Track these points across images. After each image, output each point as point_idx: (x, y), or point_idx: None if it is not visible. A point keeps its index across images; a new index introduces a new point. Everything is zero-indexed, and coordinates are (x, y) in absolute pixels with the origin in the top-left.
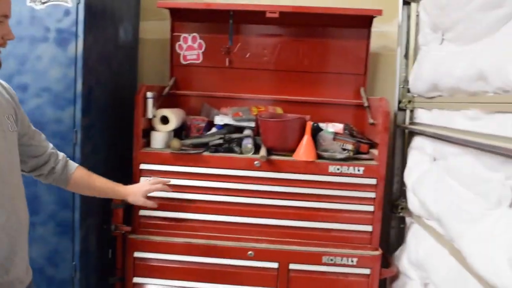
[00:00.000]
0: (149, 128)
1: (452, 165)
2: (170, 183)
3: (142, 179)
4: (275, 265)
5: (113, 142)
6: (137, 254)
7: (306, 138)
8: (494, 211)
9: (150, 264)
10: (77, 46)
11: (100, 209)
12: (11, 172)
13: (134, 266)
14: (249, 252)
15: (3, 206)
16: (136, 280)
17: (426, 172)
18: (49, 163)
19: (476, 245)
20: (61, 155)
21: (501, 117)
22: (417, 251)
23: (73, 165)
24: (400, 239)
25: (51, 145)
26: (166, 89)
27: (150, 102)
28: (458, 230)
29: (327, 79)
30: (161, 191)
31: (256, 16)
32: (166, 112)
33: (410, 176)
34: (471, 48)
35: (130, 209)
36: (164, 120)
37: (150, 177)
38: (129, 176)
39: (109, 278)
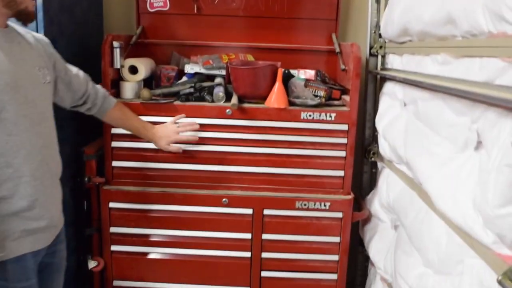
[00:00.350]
0: (118, 79)
1: (422, 109)
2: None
3: (114, 130)
4: (249, 211)
5: None
6: (112, 205)
7: (278, 85)
8: (461, 154)
9: (125, 214)
10: None
11: (73, 161)
12: (42, 122)
13: (110, 216)
14: (224, 200)
15: (34, 155)
16: (113, 230)
17: (396, 117)
18: (86, 104)
19: (443, 187)
20: (101, 92)
21: (469, 62)
22: (388, 195)
23: (111, 102)
24: (372, 183)
25: (90, 86)
26: (134, 38)
27: (117, 52)
28: (426, 173)
29: (299, 25)
30: (188, 143)
31: None
32: (134, 61)
33: (381, 121)
34: None
35: (102, 161)
36: (133, 70)
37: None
38: (99, 126)
39: (86, 229)
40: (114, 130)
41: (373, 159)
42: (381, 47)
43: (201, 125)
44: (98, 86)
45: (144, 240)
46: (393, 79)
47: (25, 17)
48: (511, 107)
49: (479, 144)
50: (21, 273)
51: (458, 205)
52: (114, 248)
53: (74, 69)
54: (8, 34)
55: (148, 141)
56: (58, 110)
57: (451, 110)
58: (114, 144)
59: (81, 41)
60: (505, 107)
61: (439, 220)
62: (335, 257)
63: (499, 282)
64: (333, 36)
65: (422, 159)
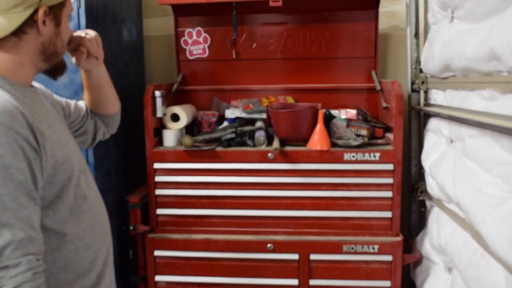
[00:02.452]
0: (161, 127)
1: (469, 147)
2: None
3: (157, 178)
4: (295, 256)
5: (125, 143)
6: (157, 253)
7: (319, 127)
8: None
9: (170, 262)
10: None
11: (118, 211)
12: (92, 184)
13: (155, 264)
14: (269, 245)
15: (102, 225)
16: (158, 278)
17: (443, 155)
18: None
19: (498, 229)
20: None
21: None
22: (439, 235)
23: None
24: (421, 223)
25: (79, 106)
26: (175, 86)
27: (159, 101)
28: (478, 214)
29: (337, 64)
30: None
31: (259, 6)
32: (176, 109)
33: (428, 159)
34: (481, 26)
35: (147, 209)
36: (175, 118)
37: (164, 176)
38: (143, 176)
39: (131, 277)
40: (158, 178)
41: (421, 197)
42: (423, 82)
43: (244, 170)
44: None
45: (189, 287)
46: (437, 115)
47: (60, 70)
48: None
49: None
50: None
51: None
52: None
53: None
54: (36, 94)
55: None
56: (103, 161)
57: (501, 147)
58: (158, 192)
59: (124, 92)
60: None
61: (496, 264)
62: None
63: None
64: (373, 73)
65: (473, 199)
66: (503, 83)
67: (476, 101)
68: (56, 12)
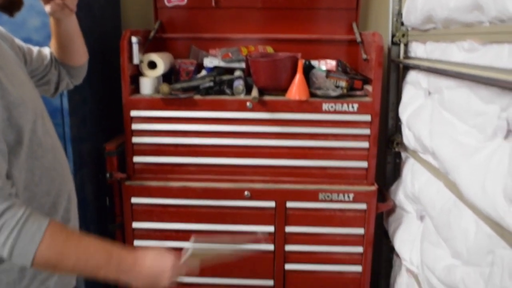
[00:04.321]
0: (137, 74)
1: (447, 98)
2: None
3: (134, 126)
4: (272, 204)
5: (101, 91)
6: (134, 200)
7: (298, 77)
8: (490, 143)
9: (147, 209)
10: None
11: (94, 159)
12: (50, 129)
13: (132, 211)
14: (246, 193)
15: (61, 158)
16: (135, 225)
17: (421, 107)
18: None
19: (472, 177)
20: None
21: (497, 48)
22: (413, 185)
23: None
24: (396, 174)
25: (43, 53)
26: (152, 33)
27: (135, 47)
28: (453, 162)
29: (318, 15)
30: None
31: None
32: (153, 56)
33: (405, 111)
34: None
35: (124, 157)
36: (152, 65)
37: (141, 124)
38: (120, 123)
39: (108, 225)
40: (135, 126)
41: (396, 149)
42: (403, 35)
43: (222, 119)
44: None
45: (166, 234)
46: (417, 67)
47: (15, 5)
48: None
49: (509, 133)
50: None
51: (488, 195)
52: (137, 243)
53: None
54: None
55: None
56: (78, 108)
57: (479, 98)
58: (135, 140)
59: (99, 38)
60: None
61: (467, 210)
62: (360, 249)
63: None
64: (354, 25)
65: (449, 149)
66: (484, 34)
67: (456, 53)
68: None
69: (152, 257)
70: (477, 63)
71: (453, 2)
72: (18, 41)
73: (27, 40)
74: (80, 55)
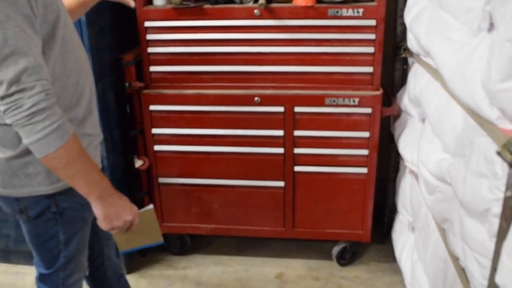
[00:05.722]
0: None
1: None
2: None
3: (148, 36)
4: (281, 109)
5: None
6: (152, 107)
7: None
8: (475, 38)
9: (165, 116)
10: None
11: (113, 69)
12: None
13: (151, 118)
14: (256, 99)
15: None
16: (154, 131)
17: (423, 9)
18: None
19: (456, 70)
20: None
21: None
22: (415, 88)
23: None
24: (404, 80)
25: None
26: None
27: None
28: (442, 57)
29: None
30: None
31: None
32: None
33: (409, 14)
34: None
35: (141, 66)
36: None
37: (155, 34)
38: (135, 34)
39: (129, 131)
40: (149, 37)
41: (403, 55)
42: None
43: (231, 27)
44: None
45: (183, 139)
46: None
47: None
48: None
49: (492, 26)
50: None
51: (468, 85)
52: (157, 147)
53: None
54: None
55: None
56: (95, 20)
57: None
58: (150, 50)
59: None
60: None
61: (457, 106)
62: (365, 152)
63: (498, 154)
64: None
65: (441, 46)
66: None
67: None
68: None
69: (124, 198)
70: None
71: None
72: None
73: None
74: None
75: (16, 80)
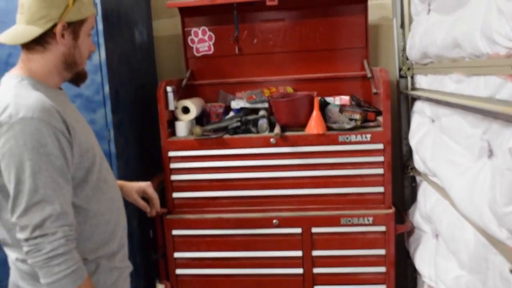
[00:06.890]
0: (173, 119)
1: (445, 124)
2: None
3: (172, 165)
4: (298, 230)
5: (142, 135)
6: (174, 232)
7: (315, 113)
8: (477, 162)
9: (186, 240)
10: (100, 54)
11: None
12: (107, 163)
13: (173, 242)
14: (274, 221)
15: (119, 206)
16: (176, 255)
17: (426, 133)
18: None
19: (463, 193)
20: None
21: (476, 80)
22: (425, 206)
23: None
24: (413, 197)
25: None
26: (184, 81)
27: (170, 96)
28: (449, 180)
29: (332, 55)
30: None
31: (257, 5)
32: (186, 102)
33: (414, 138)
34: (449, 17)
35: (164, 193)
36: (185, 110)
37: (178, 163)
38: (159, 163)
39: (153, 255)
40: (173, 165)
41: (411, 173)
42: (409, 68)
43: (249, 154)
44: None
45: (204, 262)
46: (421, 98)
47: (81, 79)
48: (508, 119)
49: (491, 153)
50: None
51: (476, 207)
52: (178, 271)
53: None
54: (64, 95)
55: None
56: (124, 152)
57: (467, 123)
58: (173, 177)
59: (138, 88)
60: (504, 119)
61: (467, 223)
62: (382, 269)
63: (511, 271)
64: (365, 62)
65: (446, 169)
66: (466, 67)
67: (449, 84)
68: (75, 28)
69: None
70: (464, 93)
71: (439, 40)
72: None
73: (79, 95)
74: None
75: (40, 225)
